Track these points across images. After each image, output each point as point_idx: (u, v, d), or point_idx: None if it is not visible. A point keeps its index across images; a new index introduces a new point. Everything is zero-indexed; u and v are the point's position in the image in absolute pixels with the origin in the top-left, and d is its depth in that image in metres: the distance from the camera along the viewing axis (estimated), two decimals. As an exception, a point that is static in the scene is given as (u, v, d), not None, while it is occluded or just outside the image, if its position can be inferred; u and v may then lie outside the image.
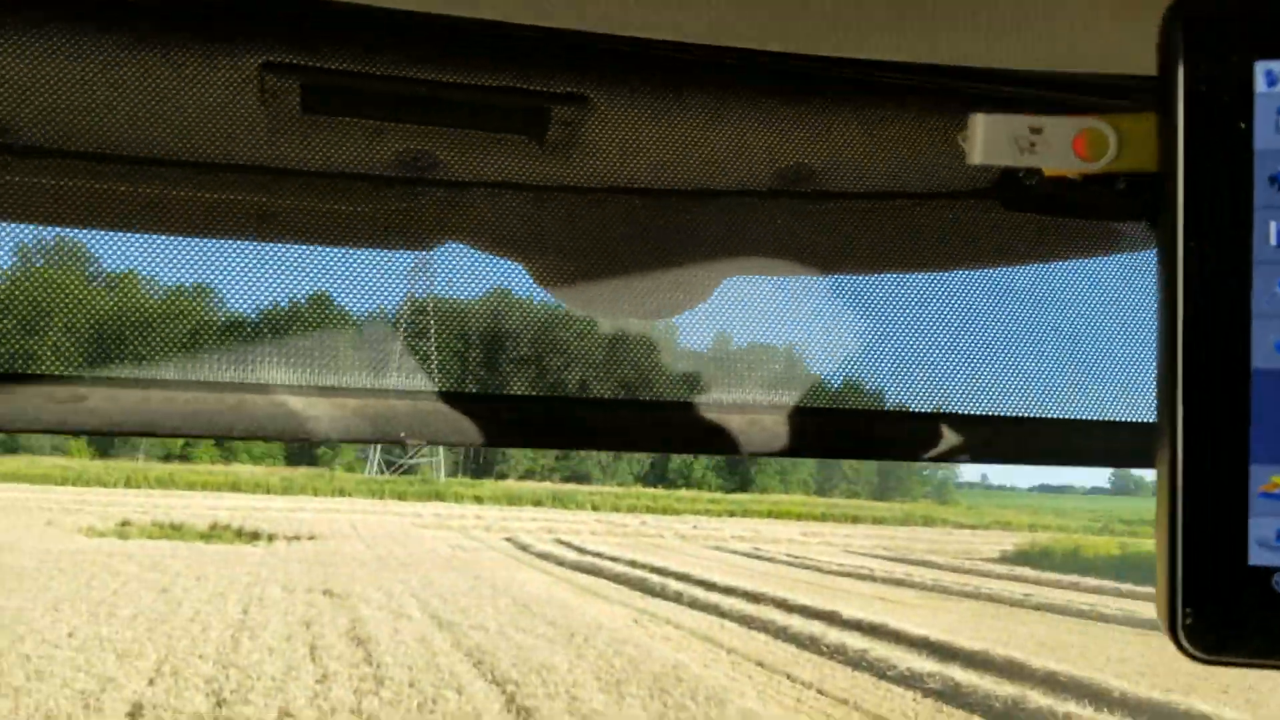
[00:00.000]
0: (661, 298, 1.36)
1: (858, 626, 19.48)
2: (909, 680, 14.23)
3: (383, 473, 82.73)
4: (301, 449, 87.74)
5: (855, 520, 78.39)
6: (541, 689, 10.73)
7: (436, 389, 1.27)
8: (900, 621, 19.79)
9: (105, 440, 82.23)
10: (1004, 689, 13.35)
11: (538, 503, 70.48)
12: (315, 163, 1.14)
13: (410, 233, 1.27)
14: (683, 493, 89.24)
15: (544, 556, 34.48)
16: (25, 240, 1.24)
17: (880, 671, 14.90)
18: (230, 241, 1.26)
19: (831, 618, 20.57)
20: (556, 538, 44.58)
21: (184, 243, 1.29)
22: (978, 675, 14.47)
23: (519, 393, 1.44)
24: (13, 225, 1.21)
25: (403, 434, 1.20)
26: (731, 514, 75.65)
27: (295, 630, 13.92)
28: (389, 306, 1.37)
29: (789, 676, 14.16)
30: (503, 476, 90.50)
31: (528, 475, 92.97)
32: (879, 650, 16.35)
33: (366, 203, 1.20)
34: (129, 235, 1.30)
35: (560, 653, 13.04)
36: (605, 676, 11.75)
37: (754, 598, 23.53)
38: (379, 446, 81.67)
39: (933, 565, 42.17)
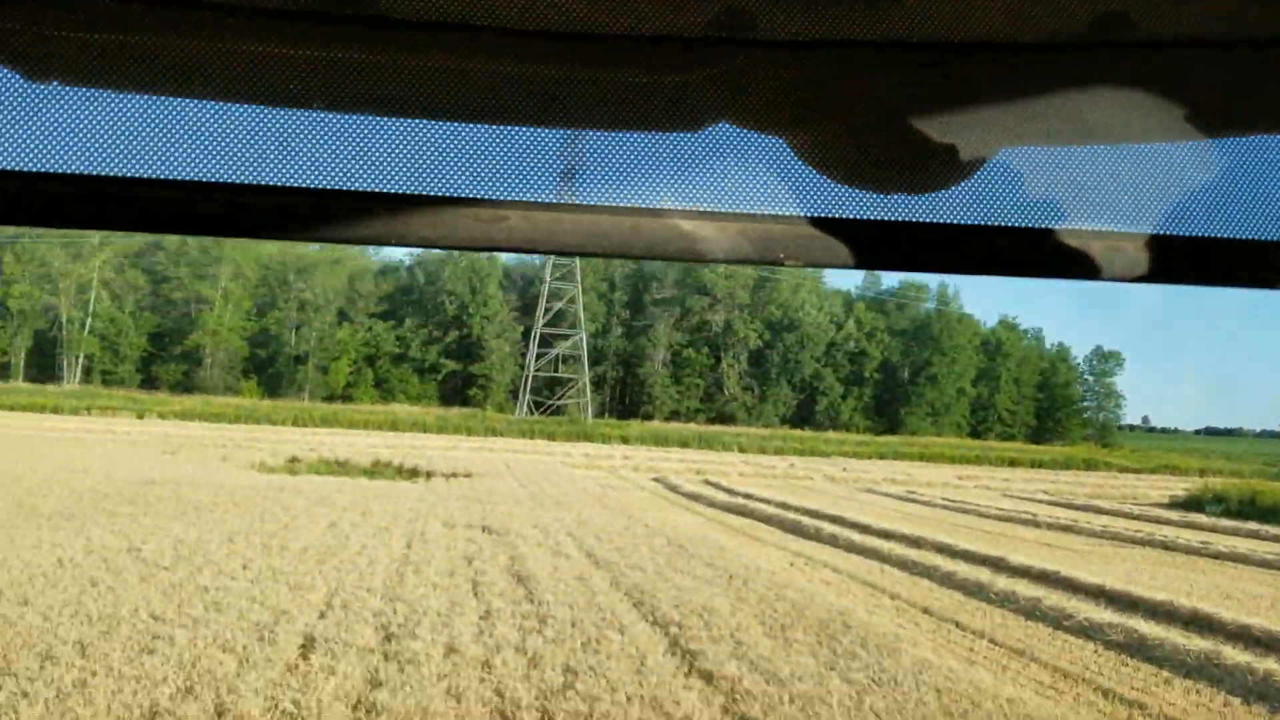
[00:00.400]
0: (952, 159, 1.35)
1: (1027, 574, 18.63)
2: (1088, 631, 13.41)
3: (532, 413, 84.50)
4: (455, 390, 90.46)
5: (1012, 464, 76.05)
6: (705, 632, 10.45)
7: (808, 215, 1.33)
8: (1073, 569, 18.83)
9: (274, 381, 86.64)
10: (1194, 643, 12.40)
11: (684, 444, 70.80)
12: None
13: None
14: (830, 435, 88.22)
15: (693, 497, 34.44)
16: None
17: (1056, 621, 14.12)
18: None
19: (999, 564, 19.72)
20: (705, 479, 44.58)
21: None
22: (1163, 628, 13.56)
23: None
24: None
25: (781, 255, 1.29)
26: (881, 456, 74.50)
27: (457, 566, 14.06)
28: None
29: (958, 625, 13.54)
30: (648, 418, 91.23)
31: (673, 416, 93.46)
32: (1053, 599, 15.52)
33: None
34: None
35: (721, 595, 12.74)
36: (769, 621, 11.39)
37: (914, 542, 22.81)
38: (528, 389, 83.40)
39: (1099, 511, 40.40)
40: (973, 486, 53.75)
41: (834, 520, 27.53)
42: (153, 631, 9.13)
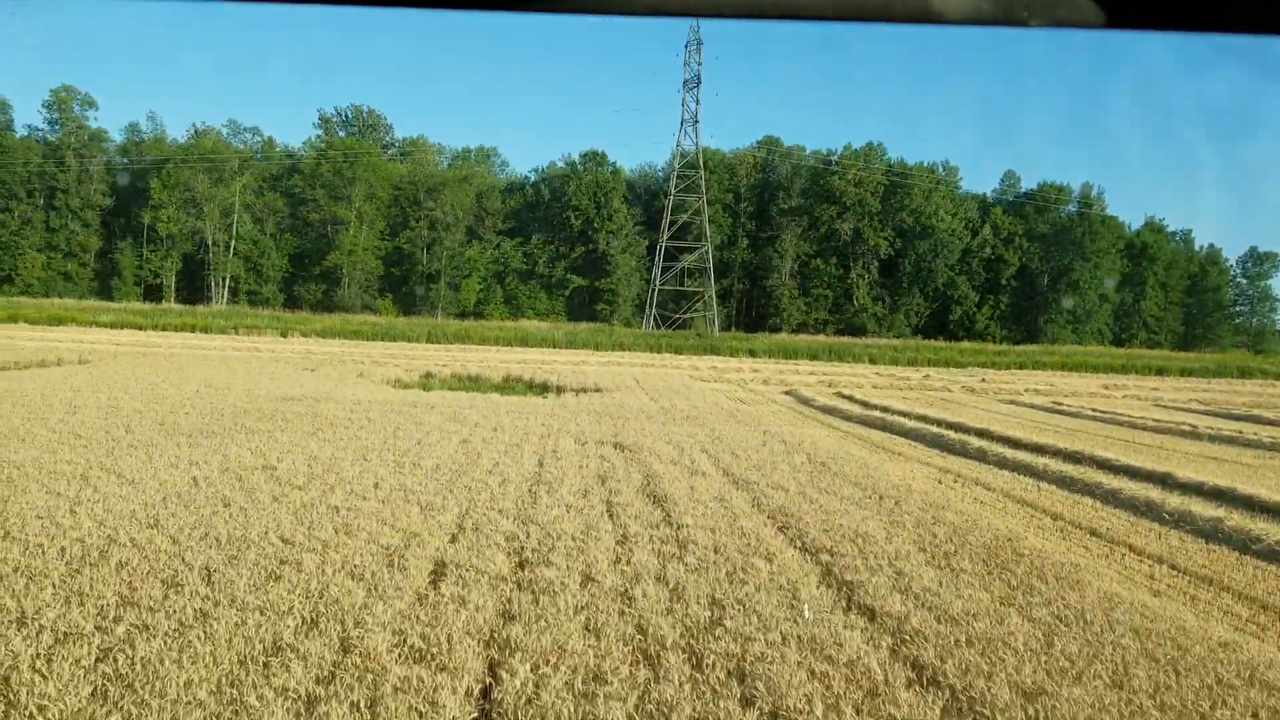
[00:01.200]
0: None
1: (1199, 491, 17.16)
2: (1281, 557, 12.07)
3: (658, 327, 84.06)
4: (582, 306, 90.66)
5: (1160, 372, 72.20)
6: (860, 561, 9.56)
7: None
8: (1250, 486, 17.25)
9: (408, 299, 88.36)
10: None
11: (813, 356, 69.39)
12: None
13: None
14: (965, 344, 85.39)
15: (827, 411, 33.32)
16: None
17: (1242, 545, 12.77)
18: None
19: (1166, 481, 18.22)
20: (837, 391, 43.28)
21: None
22: (1369, 554, 12.08)
23: None
24: None
25: (1025, 14, 1.29)
26: (1020, 366, 71.67)
27: (590, 485, 13.48)
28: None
29: (1131, 549, 12.32)
30: (775, 330, 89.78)
31: (800, 329, 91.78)
32: (1235, 519, 14.11)
33: None
34: None
35: (873, 518, 11.80)
36: (929, 547, 10.41)
37: (1069, 457, 21.35)
38: (654, 303, 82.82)
39: (1263, 421, 37.54)
40: (1121, 396, 50.91)
41: (980, 434, 26.11)
42: (281, 556, 8.76)
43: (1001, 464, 20.64)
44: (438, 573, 8.67)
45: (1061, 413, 38.07)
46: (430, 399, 26.49)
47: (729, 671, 6.51)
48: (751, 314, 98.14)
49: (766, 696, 6.04)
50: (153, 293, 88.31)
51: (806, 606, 7.84)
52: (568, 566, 8.85)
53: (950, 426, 28.02)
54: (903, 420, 28.88)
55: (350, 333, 65.01)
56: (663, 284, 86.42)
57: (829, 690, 6.18)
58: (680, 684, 6.25)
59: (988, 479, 17.86)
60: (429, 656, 6.57)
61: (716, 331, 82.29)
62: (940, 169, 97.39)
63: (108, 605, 7.31)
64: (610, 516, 11.39)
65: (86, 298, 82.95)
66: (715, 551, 9.69)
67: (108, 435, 16.08)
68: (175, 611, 7.14)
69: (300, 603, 7.45)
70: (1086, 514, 14.74)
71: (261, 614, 7.18)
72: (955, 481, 17.29)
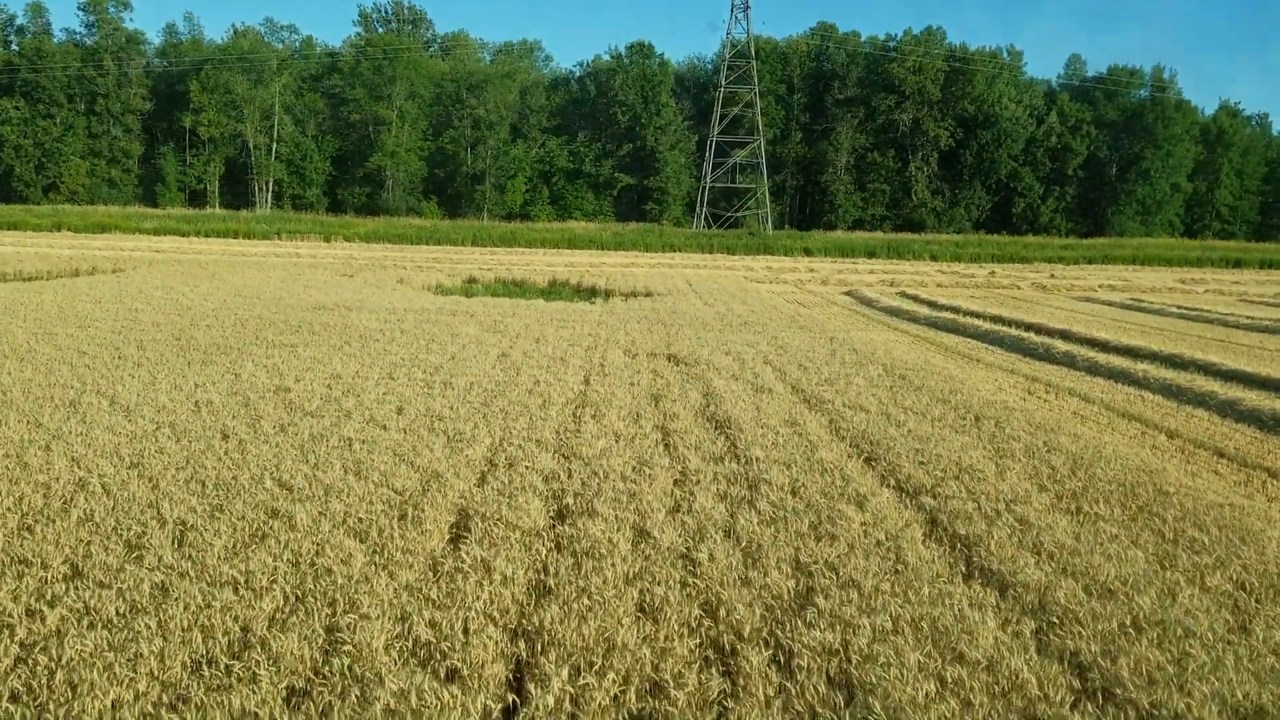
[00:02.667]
0: None
1: (1337, 401, 15.16)
2: None
3: (709, 226, 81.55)
4: (631, 205, 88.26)
5: (1237, 264, 68.61)
6: (971, 504, 7.87)
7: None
8: (1383, 395, 15.26)
9: (453, 201, 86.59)
10: None
11: (871, 253, 66.73)
12: None
13: None
14: (1030, 239, 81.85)
15: (893, 313, 31.33)
16: None
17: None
18: None
19: (1286, 389, 16.27)
20: (901, 291, 41.12)
21: None
22: None
23: None
24: None
25: None
26: (1089, 260, 68.46)
27: (643, 407, 11.85)
28: None
29: (1271, 474, 10.50)
30: (830, 227, 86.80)
31: (857, 225, 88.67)
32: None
33: None
34: None
35: (975, 446, 10.07)
36: (1051, 485, 8.67)
37: (1168, 361, 19.34)
38: (705, 201, 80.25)
39: (1366, 316, 34.87)
40: (1202, 292, 48.05)
41: (1063, 336, 24.06)
42: (272, 507, 7.29)
43: (1093, 370, 18.70)
44: (459, 527, 7.15)
45: (1143, 310, 35.67)
46: (471, 306, 24.96)
47: (829, 679, 4.92)
48: (805, 211, 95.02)
49: (886, 724, 4.44)
50: (197, 198, 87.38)
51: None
52: (616, 517, 7.28)
53: (1029, 328, 25.96)
54: (976, 322, 26.85)
55: (394, 236, 63.54)
56: (713, 181, 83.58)
57: (971, 713, 4.56)
58: (766, 702, 4.68)
59: (1084, 388, 15.97)
60: (438, 656, 5.05)
61: (770, 230, 79.66)
62: (1004, 54, 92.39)
63: (49, 579, 5.89)
64: (666, 448, 9.78)
65: (131, 204, 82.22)
66: (793, 494, 8.06)
67: (115, 353, 14.75)
68: (129, 588, 5.70)
69: (284, 575, 5.97)
70: (1204, 430, 12.87)
71: (235, 592, 5.71)
72: (1048, 393, 15.44)
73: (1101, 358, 19.82)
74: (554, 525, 7.27)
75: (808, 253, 65.30)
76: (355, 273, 37.49)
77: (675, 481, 8.47)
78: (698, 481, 8.38)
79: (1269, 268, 68.18)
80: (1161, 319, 31.70)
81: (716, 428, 10.64)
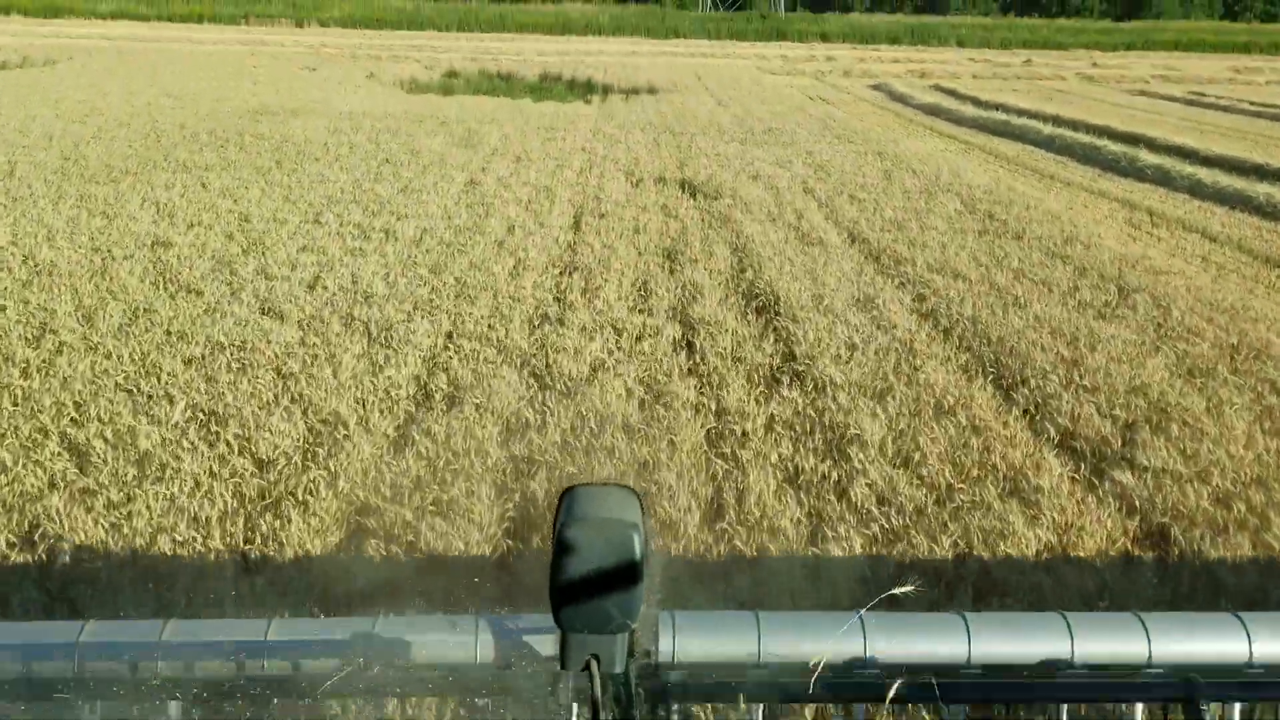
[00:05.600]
0: None
1: None
2: None
3: (717, 8, 75.11)
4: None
5: (1290, 48, 63.01)
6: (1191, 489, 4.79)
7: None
8: None
9: (437, -19, 79.51)
10: None
11: (893, 40, 61.20)
12: None
13: None
14: (1063, 22, 75.53)
15: (932, 111, 27.34)
16: None
17: None
18: None
19: None
20: (935, 85, 36.67)
21: None
22: None
23: None
24: None
25: None
26: (1129, 47, 62.92)
27: (653, 274, 8.57)
28: None
29: None
30: (846, 9, 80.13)
31: (875, 6, 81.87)
32: None
33: None
34: None
35: (1143, 343, 6.89)
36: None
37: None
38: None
39: None
40: (1264, 83, 43.45)
41: (1145, 143, 20.38)
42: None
43: (1197, 191, 15.27)
44: (351, 543, 4.11)
45: (1209, 106, 31.59)
46: (444, 108, 21.12)
47: None
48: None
49: None
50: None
51: None
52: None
53: (1097, 132, 22.18)
54: (1032, 124, 23.02)
55: (373, 21, 57.92)
56: (721, -43, 76.43)
57: None
58: None
59: (1205, 223, 12.58)
60: None
61: (782, 12, 73.38)
62: None
63: None
64: (690, 358, 6.60)
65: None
66: (906, 466, 4.97)
67: (-32, 182, 11.37)
68: None
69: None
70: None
71: None
72: (1164, 230, 12.09)
73: (1203, 173, 16.30)
74: (509, 550, 4.23)
75: (824, 39, 59.90)
76: (320, 65, 33.05)
77: (707, 438, 5.35)
78: (743, 441, 5.27)
79: (1322, 50, 62.77)
80: (1236, 118, 27.77)
81: (760, 316, 7.42)
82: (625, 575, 1.06)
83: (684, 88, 29.09)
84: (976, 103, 29.20)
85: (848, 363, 6.29)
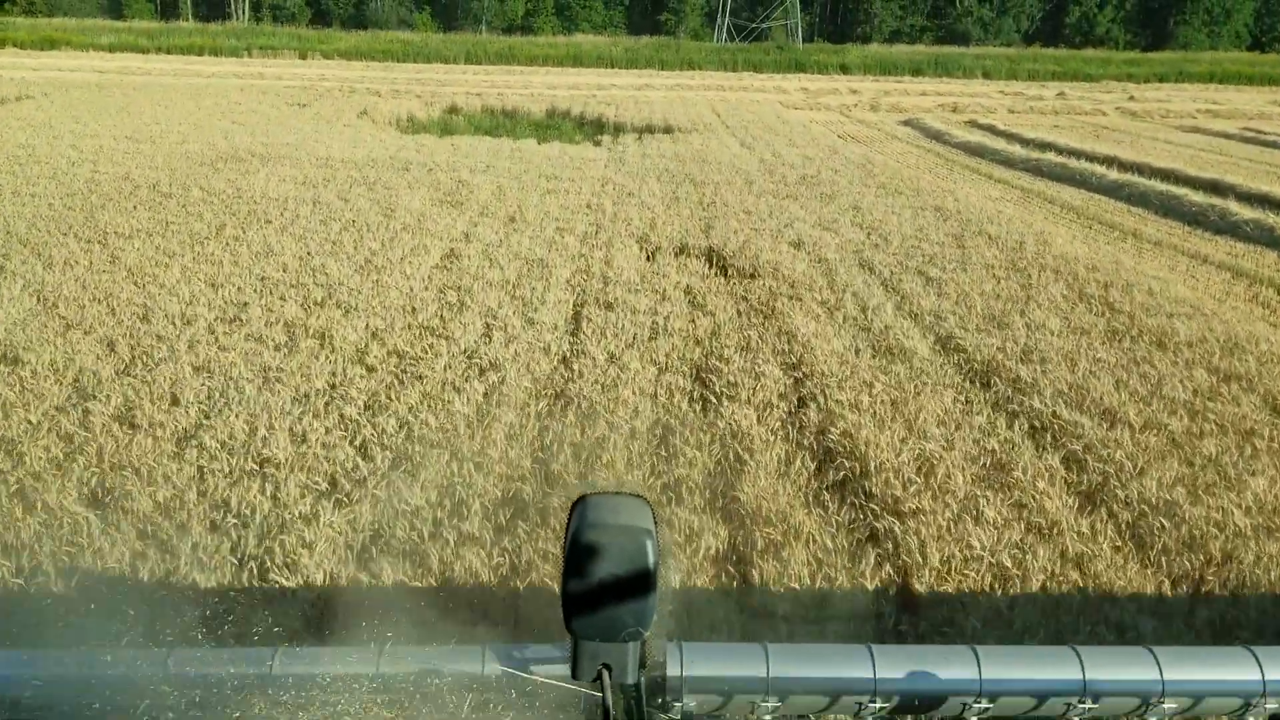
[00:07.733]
0: None
1: None
2: None
3: (733, 39, 73.13)
4: (644, 16, 79.37)
5: (1331, 83, 60.52)
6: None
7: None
8: None
9: (449, 11, 78.16)
10: None
11: (916, 71, 58.96)
12: None
13: None
14: (1090, 53, 73.18)
15: (975, 152, 24.93)
16: None
17: None
18: None
19: None
20: (969, 120, 34.28)
21: None
22: None
23: None
24: None
25: None
26: (1160, 78, 60.57)
27: (678, 407, 6.14)
28: None
29: None
30: (866, 40, 78.05)
31: (895, 37, 79.82)
32: None
33: None
34: None
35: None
36: None
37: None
38: (727, 10, 71.73)
39: None
40: (1312, 119, 41.01)
41: (1219, 189, 17.94)
42: None
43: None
44: None
45: (1270, 145, 29.13)
46: (436, 153, 18.78)
47: None
48: (837, 21, 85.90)
49: None
50: (169, 9, 78.81)
51: None
52: None
53: (1165, 177, 19.78)
54: (1091, 167, 20.58)
55: (378, 53, 56.05)
56: (737, -13, 74.57)
57: None
58: None
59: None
60: None
61: (800, 43, 71.40)
62: None
63: None
64: (742, 600, 4.15)
65: (96, 16, 73.97)
66: None
67: None
68: None
69: None
70: None
71: None
72: (1242, 281, 9.60)
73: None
74: None
75: (845, 70, 57.79)
76: (310, 101, 30.84)
77: None
78: None
79: (1365, 89, 60.30)
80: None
81: (843, 503, 4.94)
82: (638, 583, 1.07)
83: (703, 126, 26.76)
84: (1022, 141, 26.76)
85: (998, 613, 3.81)
